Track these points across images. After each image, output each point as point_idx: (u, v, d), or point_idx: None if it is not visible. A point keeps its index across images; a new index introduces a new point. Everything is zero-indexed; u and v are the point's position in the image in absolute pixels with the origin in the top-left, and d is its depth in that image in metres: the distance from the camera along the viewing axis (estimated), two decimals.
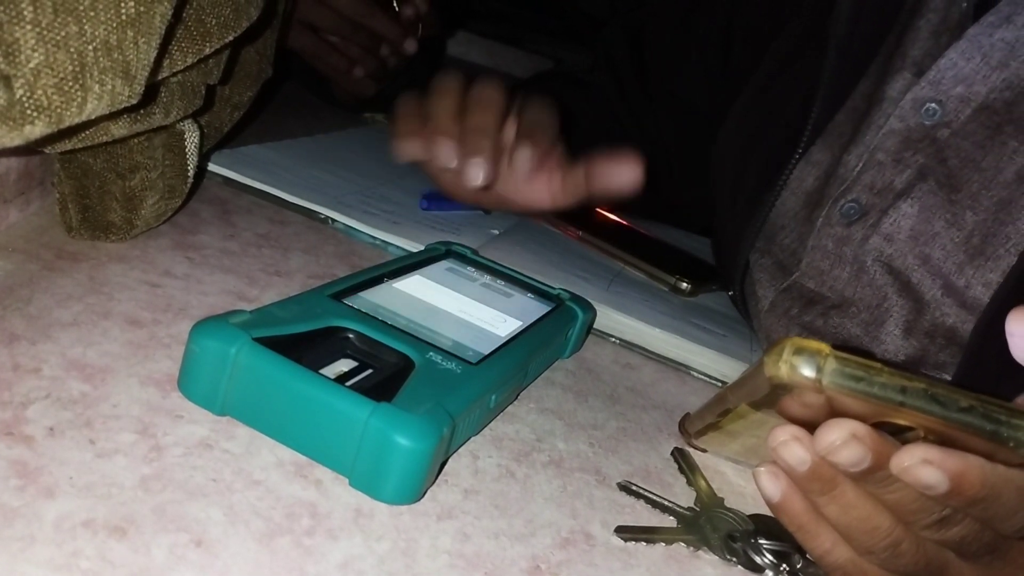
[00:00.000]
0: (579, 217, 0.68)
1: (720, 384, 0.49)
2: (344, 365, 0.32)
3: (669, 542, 0.32)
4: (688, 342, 0.50)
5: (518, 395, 0.39)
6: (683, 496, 0.35)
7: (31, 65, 0.25)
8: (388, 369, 0.32)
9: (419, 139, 0.49)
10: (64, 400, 0.28)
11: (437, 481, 0.30)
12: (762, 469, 0.28)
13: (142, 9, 0.28)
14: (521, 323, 0.40)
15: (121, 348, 0.32)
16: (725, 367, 0.50)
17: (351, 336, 0.33)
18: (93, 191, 0.38)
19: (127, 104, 0.29)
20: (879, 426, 0.25)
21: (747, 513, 0.35)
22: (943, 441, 0.25)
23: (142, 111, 0.34)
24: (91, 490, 0.24)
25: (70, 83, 0.26)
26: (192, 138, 0.41)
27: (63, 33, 0.26)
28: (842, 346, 0.26)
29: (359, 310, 0.35)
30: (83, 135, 0.33)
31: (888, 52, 0.54)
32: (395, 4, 0.82)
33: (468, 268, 0.46)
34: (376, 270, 0.40)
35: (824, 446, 0.25)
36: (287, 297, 0.34)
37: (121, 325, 0.33)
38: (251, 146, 0.59)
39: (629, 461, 0.37)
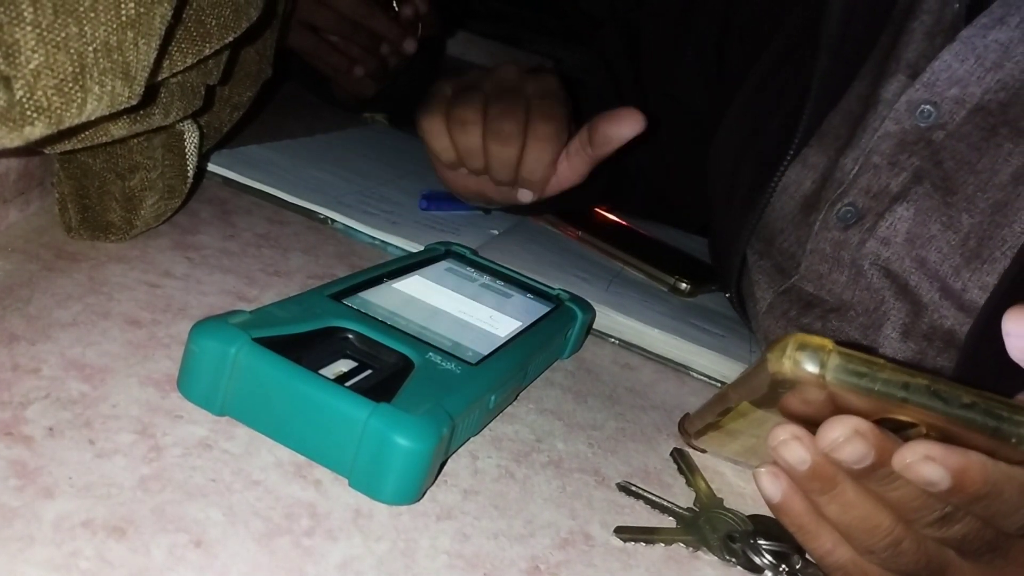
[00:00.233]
0: (579, 217, 0.69)
1: (719, 385, 0.49)
2: (343, 365, 0.32)
3: (668, 543, 0.32)
4: (687, 343, 0.50)
5: (517, 395, 0.39)
6: (682, 497, 0.35)
7: (31, 66, 0.25)
8: (387, 369, 0.32)
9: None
10: (63, 400, 0.28)
11: (436, 481, 0.30)
12: (762, 469, 0.28)
13: (142, 10, 0.28)
14: (520, 323, 0.40)
15: (120, 348, 0.32)
16: (724, 367, 0.50)
17: (350, 336, 0.33)
18: (93, 191, 0.38)
19: (127, 105, 0.29)
20: (880, 423, 0.25)
21: (746, 514, 0.35)
22: (945, 438, 0.25)
23: (142, 112, 0.34)
24: (90, 490, 0.24)
25: (70, 84, 0.26)
26: (192, 138, 0.41)
27: (63, 34, 0.26)
28: (844, 342, 0.26)
29: (358, 310, 0.35)
30: (83, 136, 0.33)
31: (882, 54, 0.54)
32: (395, 4, 0.82)
33: (467, 268, 0.46)
34: (375, 270, 0.40)
35: (827, 443, 0.25)
36: (286, 297, 0.34)
37: (120, 325, 0.33)
38: (251, 146, 0.59)
39: (628, 462, 0.37)
